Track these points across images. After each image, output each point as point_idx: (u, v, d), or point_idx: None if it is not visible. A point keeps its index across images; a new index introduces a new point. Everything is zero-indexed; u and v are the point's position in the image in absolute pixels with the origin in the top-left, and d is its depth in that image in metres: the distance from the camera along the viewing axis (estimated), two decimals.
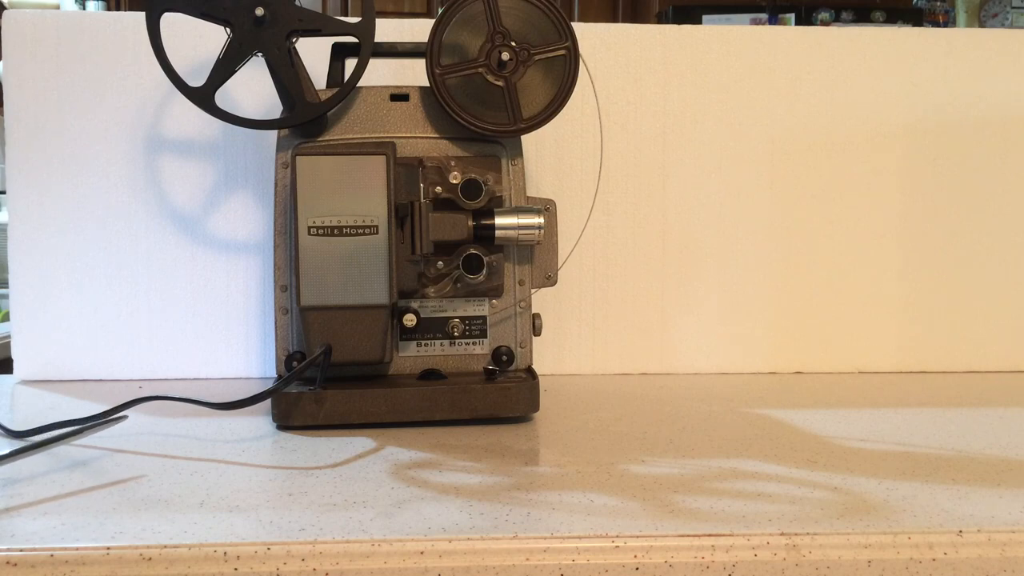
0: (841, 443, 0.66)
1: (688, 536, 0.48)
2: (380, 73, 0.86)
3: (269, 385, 0.67)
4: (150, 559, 0.45)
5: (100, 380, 0.88)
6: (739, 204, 0.93)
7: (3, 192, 2.48)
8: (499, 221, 0.71)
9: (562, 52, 0.71)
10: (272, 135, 0.76)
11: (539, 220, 0.71)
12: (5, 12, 0.86)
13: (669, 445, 0.66)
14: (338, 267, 0.67)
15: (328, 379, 0.69)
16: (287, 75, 0.69)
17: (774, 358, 0.94)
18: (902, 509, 0.52)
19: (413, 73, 0.88)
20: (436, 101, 0.71)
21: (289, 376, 0.67)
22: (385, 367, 0.73)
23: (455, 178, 0.72)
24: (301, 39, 0.70)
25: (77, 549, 0.46)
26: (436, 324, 0.73)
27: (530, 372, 0.74)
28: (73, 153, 0.87)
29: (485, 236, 0.72)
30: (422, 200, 0.70)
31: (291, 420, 0.69)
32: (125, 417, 0.66)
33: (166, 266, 0.88)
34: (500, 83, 0.71)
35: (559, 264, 0.76)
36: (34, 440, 0.62)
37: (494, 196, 0.73)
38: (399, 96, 0.74)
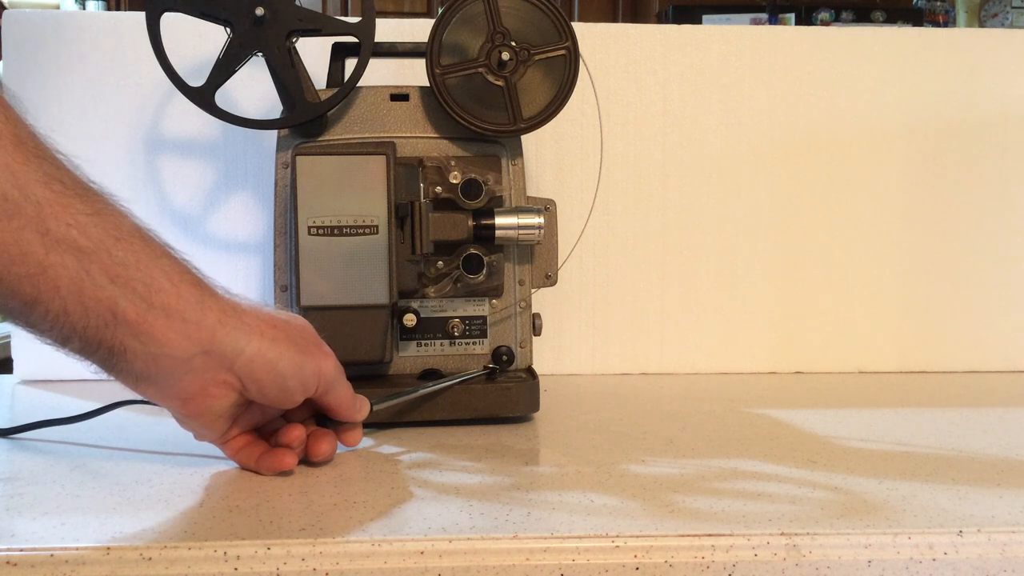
0: (841, 443, 0.66)
1: (688, 536, 0.48)
2: (380, 73, 0.86)
3: None
4: (150, 559, 0.45)
5: (100, 380, 0.87)
6: (739, 204, 0.93)
7: None
8: (499, 221, 0.71)
9: (562, 52, 0.71)
10: (272, 135, 0.76)
11: (539, 220, 0.71)
12: (5, 12, 0.86)
13: (669, 445, 0.66)
14: (338, 267, 0.67)
15: None
16: (287, 75, 0.69)
17: (774, 358, 0.94)
18: (902, 509, 0.52)
19: (413, 73, 0.87)
20: (436, 101, 0.71)
21: None
22: (385, 367, 0.73)
23: (455, 178, 0.72)
24: (301, 39, 0.70)
25: (77, 549, 0.46)
26: (436, 324, 0.73)
27: (530, 372, 0.74)
28: (73, 153, 0.86)
29: (485, 236, 0.71)
30: (422, 200, 0.70)
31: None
32: None
33: None
34: (500, 83, 0.71)
35: (559, 264, 0.76)
36: None
37: (494, 196, 0.73)
38: (399, 96, 0.74)
